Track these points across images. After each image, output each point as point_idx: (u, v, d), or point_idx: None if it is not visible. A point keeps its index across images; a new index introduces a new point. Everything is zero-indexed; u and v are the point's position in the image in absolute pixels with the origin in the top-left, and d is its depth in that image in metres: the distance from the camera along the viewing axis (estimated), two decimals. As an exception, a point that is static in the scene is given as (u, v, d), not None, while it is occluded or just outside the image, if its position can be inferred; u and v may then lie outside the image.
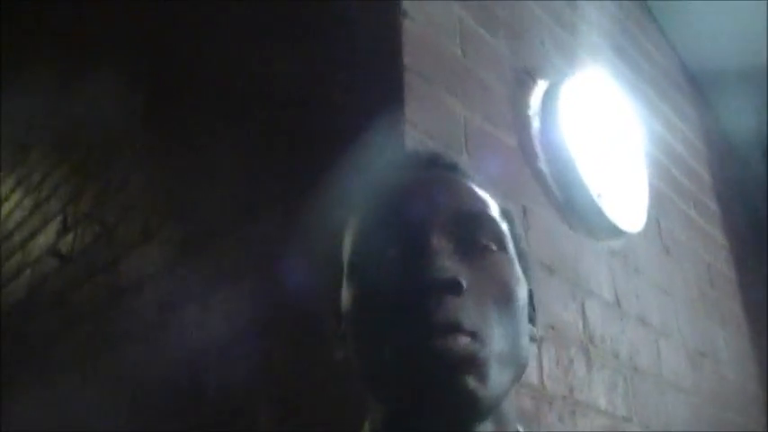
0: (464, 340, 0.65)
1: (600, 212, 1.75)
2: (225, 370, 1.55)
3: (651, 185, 2.10)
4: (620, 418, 1.63)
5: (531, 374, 1.41)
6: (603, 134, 1.90)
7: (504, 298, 0.71)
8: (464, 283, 0.67)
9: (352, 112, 1.49)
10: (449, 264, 0.68)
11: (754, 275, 2.78)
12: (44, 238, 2.56)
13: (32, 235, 2.65)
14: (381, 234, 0.74)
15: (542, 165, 1.73)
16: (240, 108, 1.84)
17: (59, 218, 2.49)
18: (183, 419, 1.58)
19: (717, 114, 3.09)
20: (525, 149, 1.70)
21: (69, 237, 2.38)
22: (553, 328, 1.52)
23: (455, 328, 0.66)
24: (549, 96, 1.81)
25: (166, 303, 1.80)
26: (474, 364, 0.65)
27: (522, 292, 0.74)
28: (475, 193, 0.79)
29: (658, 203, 2.19)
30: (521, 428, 0.79)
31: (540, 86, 1.84)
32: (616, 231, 1.82)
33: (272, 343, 1.47)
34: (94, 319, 2.07)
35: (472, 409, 0.66)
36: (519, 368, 0.73)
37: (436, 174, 0.81)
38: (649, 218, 2.03)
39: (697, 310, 2.21)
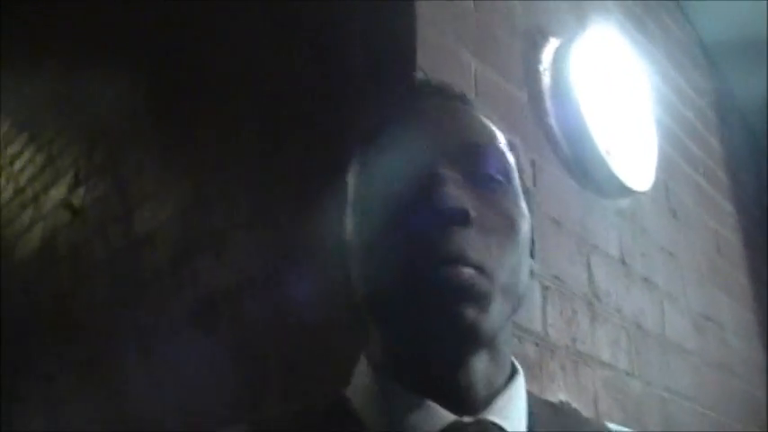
0: (468, 271, 0.66)
1: (608, 169, 1.76)
2: (236, 317, 1.57)
3: (660, 149, 2.10)
4: (622, 372, 1.65)
5: (535, 322, 1.43)
6: (614, 93, 1.90)
7: (509, 230, 0.72)
8: (472, 214, 0.68)
9: (364, 59, 1.50)
10: (457, 193, 0.68)
11: (761, 247, 2.79)
12: (56, 192, 2.58)
13: (44, 189, 2.68)
14: (387, 163, 0.73)
15: (552, 120, 1.73)
16: (258, 63, 1.86)
17: (71, 172, 2.51)
18: (197, 363, 1.61)
19: (730, 87, 3.08)
20: (535, 104, 1.71)
21: (81, 190, 2.40)
22: (558, 278, 1.54)
23: (460, 259, 0.67)
24: (560, 53, 1.81)
25: (179, 254, 1.82)
26: (475, 295, 0.66)
27: (525, 226, 0.74)
28: (483, 124, 0.79)
29: (667, 167, 2.19)
30: (515, 362, 0.81)
31: (552, 44, 1.84)
32: (623, 189, 1.82)
33: (282, 289, 1.49)
34: (109, 271, 2.09)
35: (471, 339, 0.68)
36: (518, 301, 0.74)
37: (444, 103, 0.80)
38: (657, 180, 2.04)
39: (702, 276, 2.22)
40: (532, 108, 1.70)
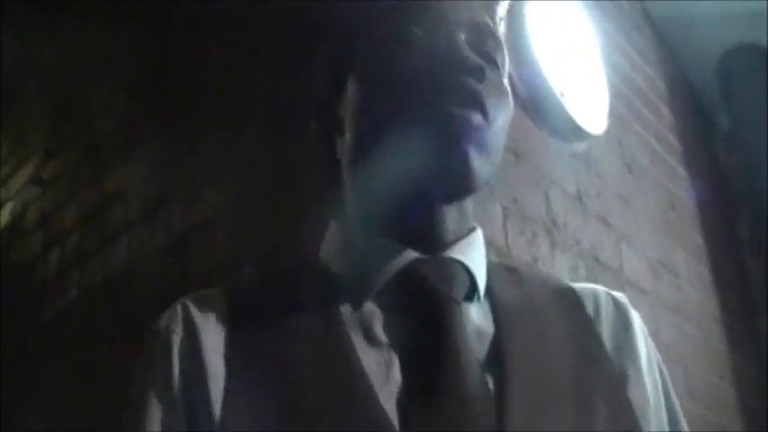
0: (479, 117, 0.74)
1: (562, 109, 1.84)
2: (210, 247, 1.62)
3: (612, 108, 2.19)
4: (582, 298, 1.71)
5: (497, 237, 1.50)
6: (566, 45, 1.99)
7: (506, 102, 0.80)
8: (487, 73, 0.75)
9: None
10: (473, 55, 0.77)
11: (714, 214, 2.89)
12: (26, 171, 2.61)
13: (15, 170, 2.70)
14: (410, 26, 0.80)
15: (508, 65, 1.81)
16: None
17: (42, 148, 2.54)
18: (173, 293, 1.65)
19: (680, 63, 3.19)
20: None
21: (51, 163, 2.44)
22: (516, 201, 1.61)
23: (475, 105, 0.74)
24: (516, 5, 1.89)
25: (152, 204, 1.86)
26: (481, 139, 0.74)
27: (510, 108, 0.82)
28: (486, 13, 0.86)
29: (620, 125, 2.28)
30: (477, 225, 0.88)
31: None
32: (578, 130, 1.90)
33: (255, 218, 1.55)
34: (79, 232, 2.13)
35: (467, 179, 0.75)
36: (494, 168, 0.81)
37: None
38: (611, 135, 2.13)
39: (657, 227, 2.31)
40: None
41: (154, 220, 1.81)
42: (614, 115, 2.19)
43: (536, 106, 1.82)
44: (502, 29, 1.76)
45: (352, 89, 0.83)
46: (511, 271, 0.93)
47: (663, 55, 3.04)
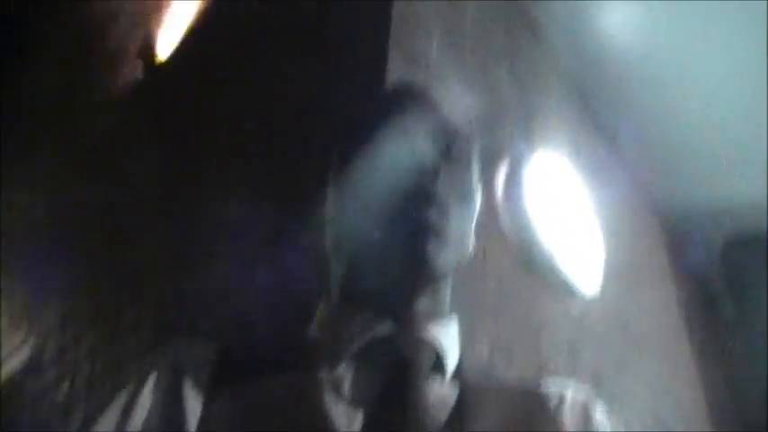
0: (434, 210, 0.86)
1: (554, 267, 1.94)
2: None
3: (611, 277, 2.26)
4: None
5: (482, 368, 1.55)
6: (562, 208, 2.12)
7: (465, 198, 0.94)
8: (442, 176, 0.88)
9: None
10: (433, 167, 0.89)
11: (722, 391, 2.90)
12: (50, 311, 2.70)
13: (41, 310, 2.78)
14: (380, 139, 0.93)
15: (503, 221, 1.93)
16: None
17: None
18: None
19: (683, 250, 3.31)
20: (489, 212, 1.90)
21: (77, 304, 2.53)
22: (503, 338, 1.67)
23: (429, 199, 0.86)
24: (513, 169, 2.04)
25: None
26: (437, 233, 0.86)
27: (475, 204, 0.97)
28: (452, 126, 0.99)
29: (618, 293, 2.35)
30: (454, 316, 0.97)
31: (506, 162, 2.08)
32: (568, 289, 1.99)
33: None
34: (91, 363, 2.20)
35: (427, 269, 0.87)
36: (461, 258, 0.93)
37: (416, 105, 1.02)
38: (609, 305, 2.20)
39: (656, 391, 2.33)
40: (486, 213, 1.90)
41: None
42: (612, 282, 2.27)
43: (528, 262, 1.92)
44: (501, 186, 1.93)
45: (331, 186, 0.98)
46: (483, 370, 1.03)
47: (666, 240, 3.16)
